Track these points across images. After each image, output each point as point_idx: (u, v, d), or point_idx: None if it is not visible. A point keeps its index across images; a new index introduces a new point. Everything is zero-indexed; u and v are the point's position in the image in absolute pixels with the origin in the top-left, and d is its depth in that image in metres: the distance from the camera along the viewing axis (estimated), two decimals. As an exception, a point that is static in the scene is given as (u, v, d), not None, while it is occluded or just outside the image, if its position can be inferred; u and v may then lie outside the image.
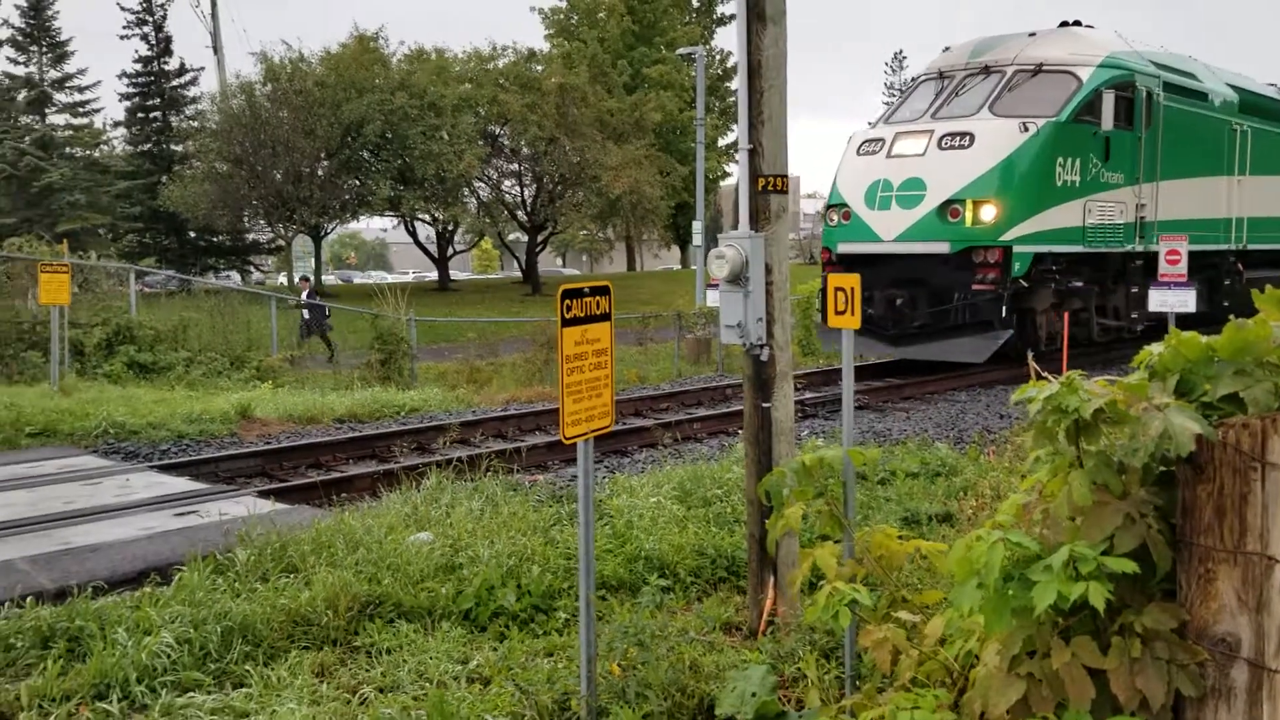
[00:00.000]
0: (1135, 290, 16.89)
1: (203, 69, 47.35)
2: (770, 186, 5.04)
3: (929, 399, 14.00)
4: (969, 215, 14.24)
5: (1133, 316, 17.05)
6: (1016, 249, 14.24)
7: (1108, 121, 14.91)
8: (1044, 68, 15.35)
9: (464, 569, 5.51)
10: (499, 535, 6.00)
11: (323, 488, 8.60)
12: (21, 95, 44.20)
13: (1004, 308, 14.24)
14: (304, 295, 22.12)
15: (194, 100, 44.99)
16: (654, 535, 6.15)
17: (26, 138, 42.26)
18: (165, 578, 5.58)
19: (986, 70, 15.85)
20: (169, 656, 4.49)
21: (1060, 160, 14.65)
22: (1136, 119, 16.09)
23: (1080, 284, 15.73)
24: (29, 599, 5.19)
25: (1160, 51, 18.08)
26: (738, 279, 4.98)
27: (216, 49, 45.07)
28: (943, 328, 14.90)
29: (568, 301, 3.41)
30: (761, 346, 5.02)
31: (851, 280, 3.85)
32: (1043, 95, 14.94)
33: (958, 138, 14.68)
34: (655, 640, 4.09)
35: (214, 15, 45.35)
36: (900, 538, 3.33)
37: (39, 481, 8.70)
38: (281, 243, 42.22)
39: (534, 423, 12.04)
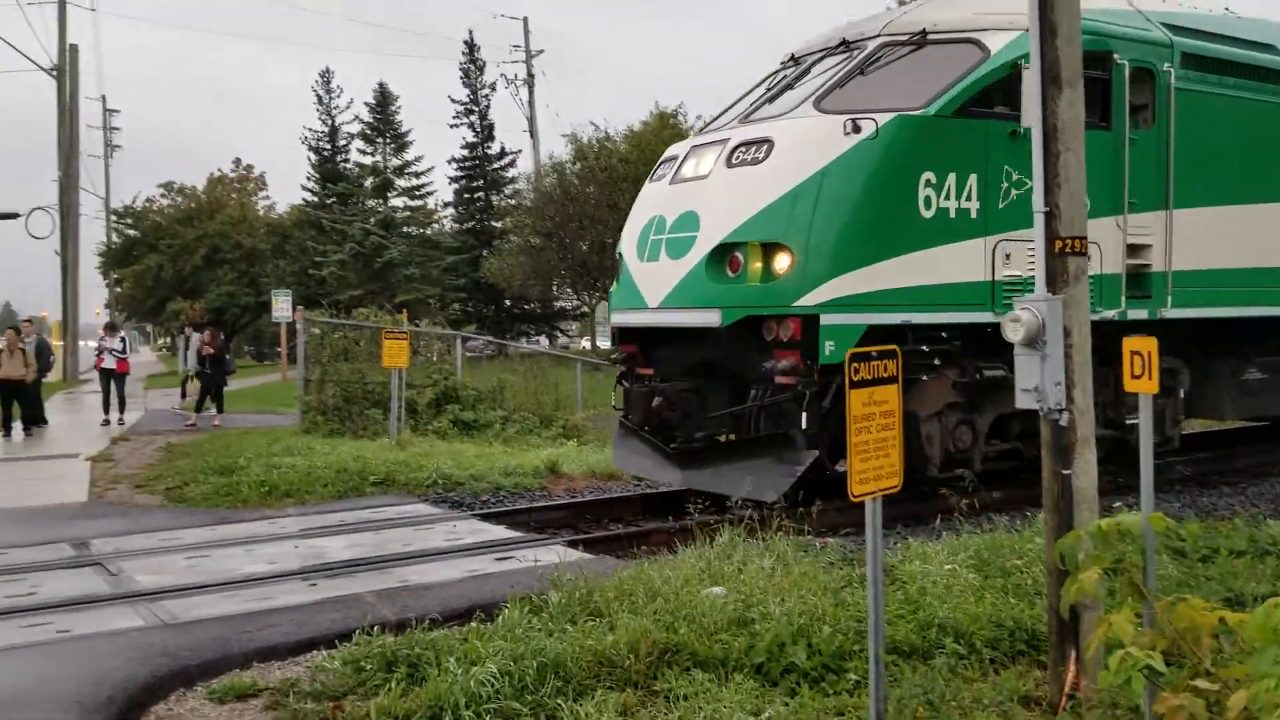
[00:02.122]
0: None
1: (520, 151, 51.59)
2: (1068, 249, 4.99)
3: (1265, 472, 12.73)
4: (753, 267, 9.18)
5: (1129, 422, 10.41)
6: (828, 319, 8.84)
7: (1032, 114, 10.05)
8: (930, 36, 9.88)
9: (756, 624, 5.70)
10: (790, 593, 6.14)
11: (623, 540, 9.10)
12: (369, 181, 49.91)
13: (805, 415, 8.91)
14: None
15: (512, 180, 49.01)
16: (948, 603, 6.07)
17: (372, 219, 47.56)
18: (489, 615, 6.16)
19: (846, 46, 10.52)
20: (493, 686, 4.97)
21: (929, 177, 9.22)
22: (1117, 111, 10.28)
23: (1004, 373, 9.56)
24: (375, 628, 5.90)
25: (1193, 11, 12.03)
26: (1034, 342, 4.94)
27: (532, 133, 48.90)
28: (739, 441, 9.78)
29: (855, 365, 3.58)
30: (1060, 411, 4.93)
31: (1148, 344, 3.76)
32: (918, 78, 9.64)
33: (752, 149, 9.58)
34: (945, 702, 4.09)
35: (530, 102, 49.28)
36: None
37: (381, 525, 9.78)
38: (585, 309, 44.75)
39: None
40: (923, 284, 9.29)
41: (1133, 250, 10.52)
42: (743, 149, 9.64)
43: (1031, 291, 9.64)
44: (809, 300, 8.90)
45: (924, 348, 9.43)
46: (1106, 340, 10.13)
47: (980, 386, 9.90)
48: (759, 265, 9.14)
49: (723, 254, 9.36)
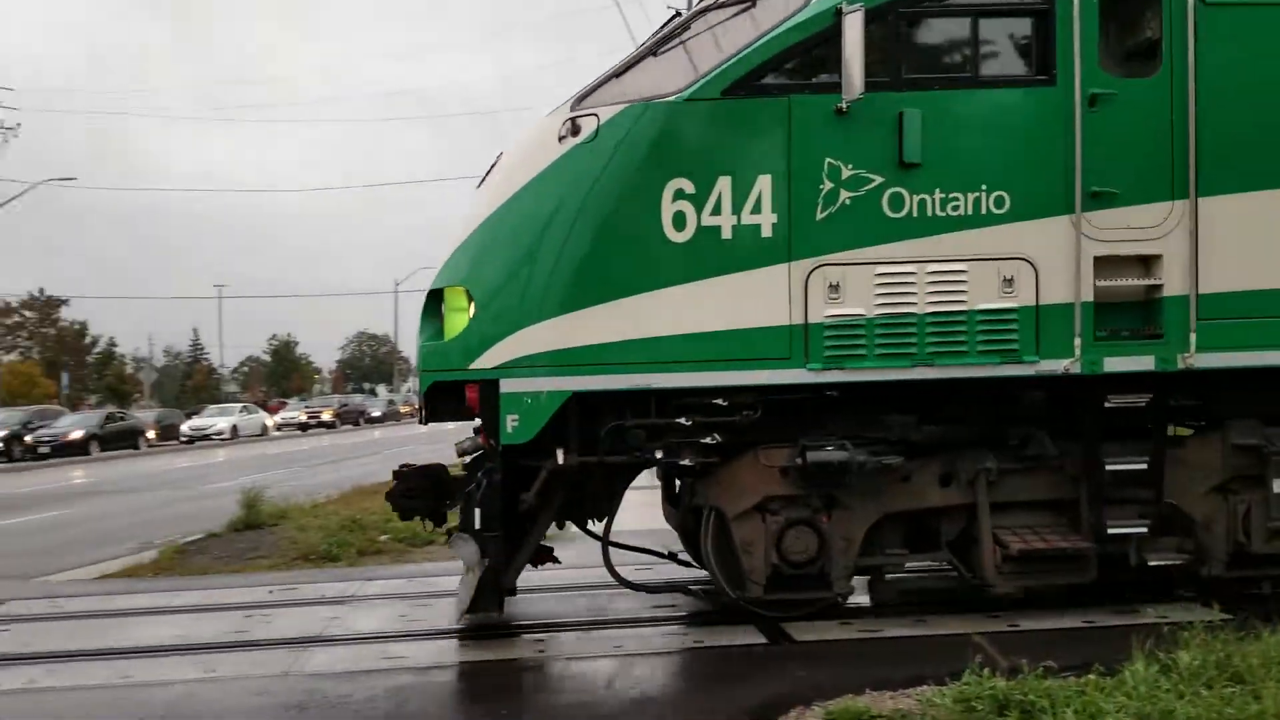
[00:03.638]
0: (1129, 466, 7.19)
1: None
2: None
3: None
4: (453, 319, 7.19)
5: (1112, 532, 7.19)
6: (510, 386, 6.85)
7: (853, 81, 6.43)
8: None
9: None
10: None
11: (1271, 599, 7.97)
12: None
13: (479, 512, 6.94)
14: None
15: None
16: None
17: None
18: (1108, 669, 5.78)
19: (681, 19, 7.84)
20: (1116, 742, 4.67)
21: (681, 185, 6.76)
22: (1064, 57, 6.83)
23: (845, 456, 6.97)
24: (984, 670, 5.81)
25: None
26: None
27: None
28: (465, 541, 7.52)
29: None
30: None
31: None
32: (717, 50, 6.99)
33: (492, 168, 7.59)
34: None
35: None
36: None
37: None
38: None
39: None
40: (674, 333, 6.87)
41: (1110, 265, 6.96)
42: (492, 168, 7.71)
43: (889, 336, 6.92)
44: (485, 361, 6.96)
45: (683, 420, 7.00)
46: (1068, 403, 7.33)
47: (828, 471, 7.04)
48: (460, 316, 7.21)
49: (435, 304, 7.46)
